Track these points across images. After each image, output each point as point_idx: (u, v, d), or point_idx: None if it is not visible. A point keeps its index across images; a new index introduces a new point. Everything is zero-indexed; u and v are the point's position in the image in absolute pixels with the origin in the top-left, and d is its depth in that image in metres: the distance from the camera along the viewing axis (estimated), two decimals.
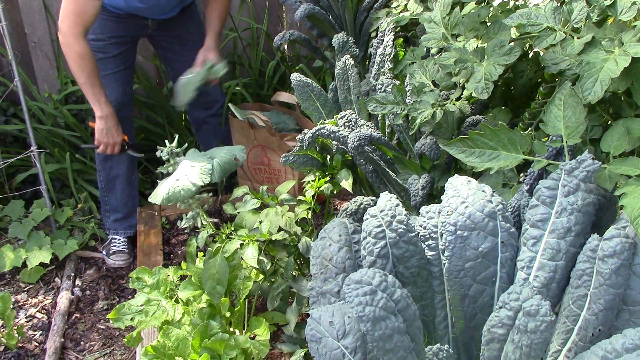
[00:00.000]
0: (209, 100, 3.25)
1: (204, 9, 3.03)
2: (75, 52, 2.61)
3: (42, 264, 3.09)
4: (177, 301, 2.15)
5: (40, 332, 2.81)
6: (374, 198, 2.03)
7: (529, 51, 1.97)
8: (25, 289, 3.06)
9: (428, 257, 1.48)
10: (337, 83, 2.45)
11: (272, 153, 3.07)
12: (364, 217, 1.45)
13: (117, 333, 2.81)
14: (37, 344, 2.75)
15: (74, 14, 2.55)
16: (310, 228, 2.26)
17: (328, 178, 2.22)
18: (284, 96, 3.24)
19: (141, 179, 3.55)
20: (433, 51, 2.00)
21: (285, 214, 2.11)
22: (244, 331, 2.17)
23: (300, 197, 2.22)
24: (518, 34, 1.81)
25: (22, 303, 2.97)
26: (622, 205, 1.31)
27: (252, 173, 3.22)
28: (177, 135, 2.29)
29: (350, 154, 2.14)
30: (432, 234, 1.49)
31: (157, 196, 2.01)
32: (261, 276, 2.21)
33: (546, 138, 1.62)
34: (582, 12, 1.55)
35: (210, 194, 2.19)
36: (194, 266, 2.21)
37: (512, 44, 1.71)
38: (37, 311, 2.94)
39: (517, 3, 1.96)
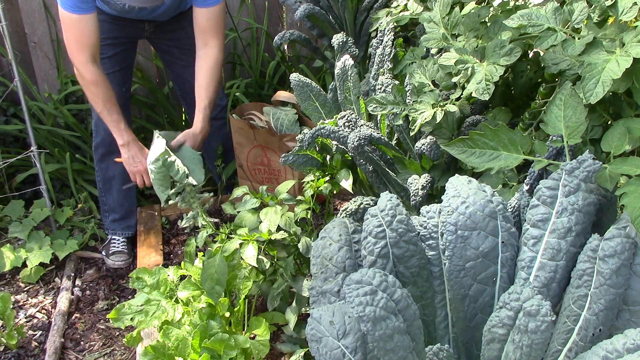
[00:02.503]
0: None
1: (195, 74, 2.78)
2: (87, 80, 2.55)
3: (42, 264, 3.09)
4: (177, 301, 2.15)
5: (40, 332, 2.81)
6: (374, 198, 2.03)
7: (529, 51, 1.97)
8: (25, 289, 3.06)
9: (428, 256, 1.48)
10: (337, 83, 2.45)
11: (272, 153, 3.07)
12: (365, 217, 1.45)
13: (117, 333, 2.81)
14: (37, 344, 2.75)
15: (74, 40, 2.49)
16: (310, 228, 2.26)
17: (328, 178, 2.22)
18: (284, 95, 3.24)
19: None
20: (433, 51, 2.00)
21: (284, 214, 2.11)
22: (243, 331, 2.17)
23: (299, 197, 2.22)
24: (518, 34, 1.81)
25: (22, 303, 2.97)
26: (623, 205, 1.31)
27: (252, 173, 3.22)
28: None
29: (350, 154, 2.14)
30: (432, 234, 1.49)
31: (161, 199, 2.04)
32: (261, 276, 2.21)
33: (546, 138, 1.62)
34: (583, 12, 1.55)
35: (211, 193, 2.20)
36: (193, 266, 2.21)
37: (512, 44, 1.71)
38: (37, 311, 2.93)
39: (517, 3, 1.96)
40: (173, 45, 3.03)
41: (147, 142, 3.37)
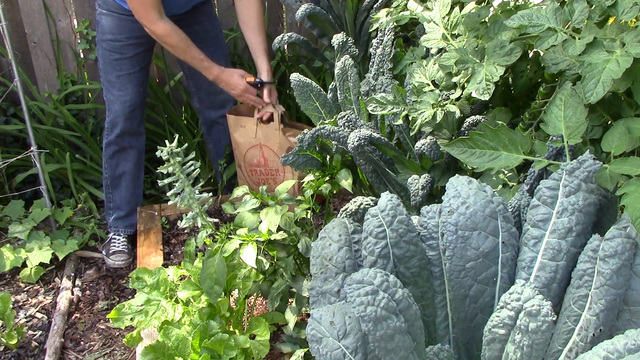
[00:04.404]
0: (222, 99, 3.25)
1: (242, 31, 3.11)
2: (160, 35, 2.74)
3: (42, 264, 3.09)
4: (177, 301, 2.15)
5: (40, 332, 2.81)
6: (374, 198, 2.02)
7: (529, 51, 1.97)
8: (25, 289, 3.06)
9: (429, 257, 1.48)
10: (337, 83, 2.45)
11: (269, 152, 3.07)
12: (365, 217, 1.45)
13: (117, 333, 2.81)
14: (37, 344, 2.75)
15: (139, 4, 2.63)
16: (310, 228, 2.26)
17: (328, 178, 2.22)
18: None
19: None
20: (433, 51, 2.00)
21: (284, 214, 2.11)
22: (243, 331, 2.17)
23: (299, 197, 2.22)
24: (518, 34, 1.81)
25: (22, 303, 2.97)
26: (623, 206, 1.31)
27: (249, 174, 3.22)
28: (177, 135, 2.29)
29: (350, 154, 2.14)
30: (432, 234, 1.49)
31: None
32: (261, 276, 2.21)
33: (546, 138, 1.62)
34: (584, 12, 1.55)
35: (210, 194, 2.19)
36: (193, 266, 2.21)
37: (512, 44, 1.71)
38: (37, 311, 2.94)
39: (517, 3, 1.96)
40: (192, 39, 3.05)
41: (147, 142, 3.39)
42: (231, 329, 2.19)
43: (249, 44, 3.07)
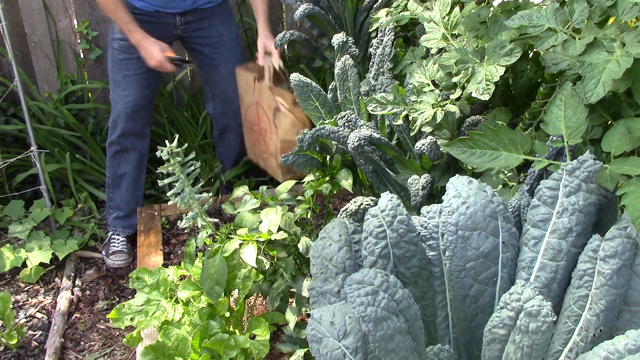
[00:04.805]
0: (235, 107, 3.25)
1: None
2: None
3: (42, 264, 3.09)
4: (177, 301, 2.15)
5: (40, 332, 2.81)
6: (374, 198, 2.03)
7: (529, 51, 1.97)
8: (25, 289, 3.06)
9: (429, 257, 1.48)
10: (337, 83, 2.45)
11: (262, 110, 3.05)
12: (365, 217, 1.45)
13: (117, 333, 2.81)
14: (37, 344, 2.75)
15: None
16: (310, 228, 2.26)
17: (327, 178, 2.22)
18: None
19: None
20: (433, 51, 2.00)
21: (284, 214, 2.11)
22: (243, 331, 2.17)
23: (299, 197, 2.22)
24: (518, 34, 1.81)
25: (22, 303, 2.97)
26: (624, 206, 1.31)
27: (248, 133, 3.23)
28: (177, 135, 2.29)
29: (350, 154, 2.14)
30: (433, 234, 1.49)
31: None
32: (261, 276, 2.21)
33: (546, 138, 1.62)
34: (584, 12, 1.55)
35: (210, 194, 2.19)
36: (193, 266, 2.21)
37: (512, 44, 1.71)
38: (37, 311, 2.93)
39: (517, 2, 1.96)
40: (205, 44, 3.06)
41: (152, 142, 3.40)
42: (231, 329, 2.19)
43: (253, 7, 3.11)
